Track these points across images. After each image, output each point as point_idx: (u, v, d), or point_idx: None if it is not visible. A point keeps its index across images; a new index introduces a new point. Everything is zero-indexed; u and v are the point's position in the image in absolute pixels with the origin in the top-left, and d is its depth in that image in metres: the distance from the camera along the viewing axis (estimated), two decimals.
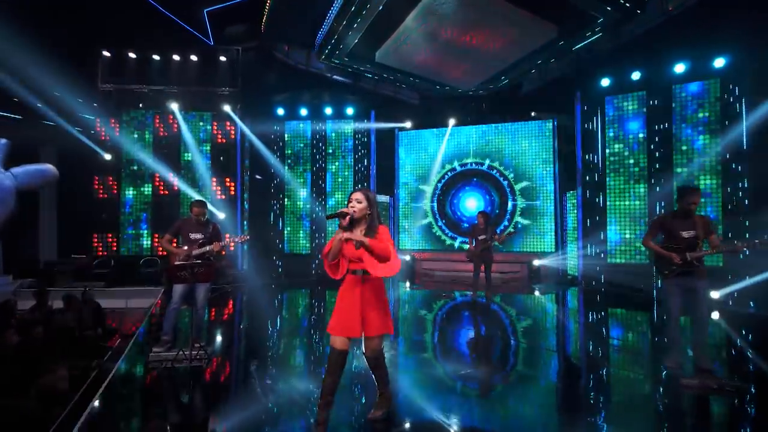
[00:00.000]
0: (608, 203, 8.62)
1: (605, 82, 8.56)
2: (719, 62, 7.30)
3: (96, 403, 3.09)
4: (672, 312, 3.58)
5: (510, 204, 10.42)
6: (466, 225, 10.45)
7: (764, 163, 6.58)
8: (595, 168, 8.78)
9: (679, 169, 7.80)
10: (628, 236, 8.39)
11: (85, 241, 9.57)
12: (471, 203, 10.77)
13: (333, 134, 10.86)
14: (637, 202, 8.32)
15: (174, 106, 9.73)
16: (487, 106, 10.62)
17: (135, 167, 9.90)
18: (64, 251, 10.11)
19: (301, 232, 10.87)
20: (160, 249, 9.73)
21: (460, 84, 10.12)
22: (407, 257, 10.54)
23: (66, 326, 4.88)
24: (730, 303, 6.57)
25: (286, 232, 10.87)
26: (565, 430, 2.83)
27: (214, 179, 10.02)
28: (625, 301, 7.40)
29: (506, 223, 10.39)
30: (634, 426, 2.87)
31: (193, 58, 9.90)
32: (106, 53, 9.65)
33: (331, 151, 10.85)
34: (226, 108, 9.92)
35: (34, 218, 10.38)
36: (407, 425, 2.75)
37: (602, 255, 8.58)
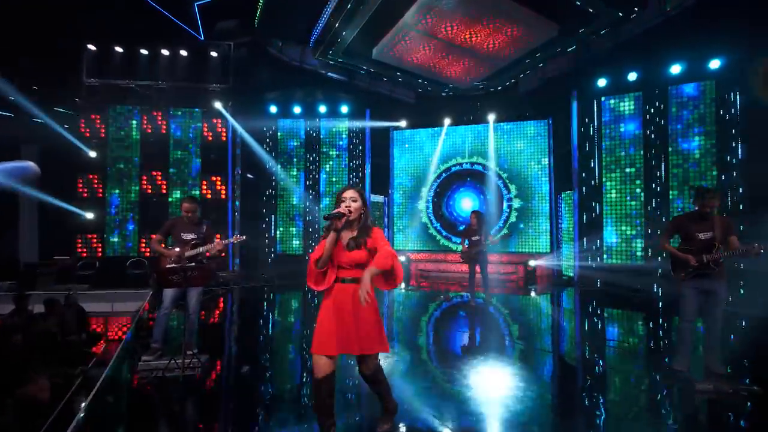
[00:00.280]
0: (604, 203, 8.62)
1: (602, 82, 8.55)
2: (714, 63, 7.34)
3: (81, 414, 2.87)
4: (686, 314, 3.50)
5: (505, 204, 10.36)
6: (462, 228, 10.36)
7: (759, 165, 6.62)
8: (591, 168, 8.76)
9: (675, 170, 7.84)
10: (624, 236, 8.39)
11: (68, 242, 9.20)
12: (466, 203, 10.68)
13: (327, 133, 10.67)
14: (633, 203, 8.33)
15: (163, 103, 9.43)
16: (483, 105, 10.54)
17: (121, 165, 9.57)
18: (45, 252, 9.69)
19: (294, 232, 10.65)
20: (147, 251, 9.42)
21: (457, 82, 10.03)
22: (403, 258, 10.40)
23: (47, 332, 4.62)
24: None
25: (278, 232, 10.64)
26: None
27: (204, 181, 9.74)
28: (623, 302, 7.36)
29: (500, 224, 10.33)
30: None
31: (183, 53, 9.62)
32: (91, 47, 9.30)
33: (325, 150, 10.66)
34: (217, 105, 9.66)
35: (14, 217, 9.94)
36: None
37: (598, 255, 8.56)
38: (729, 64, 7.18)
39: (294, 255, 10.47)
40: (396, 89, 11.02)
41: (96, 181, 9.44)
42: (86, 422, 2.83)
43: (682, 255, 3.47)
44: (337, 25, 7.47)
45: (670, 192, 7.86)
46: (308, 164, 10.62)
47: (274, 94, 10.58)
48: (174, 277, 3.61)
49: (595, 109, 8.67)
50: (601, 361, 4.32)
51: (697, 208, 3.47)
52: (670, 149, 7.90)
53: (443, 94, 10.58)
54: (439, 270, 10.60)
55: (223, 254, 8.88)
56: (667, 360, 3.94)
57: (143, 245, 9.56)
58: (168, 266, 3.81)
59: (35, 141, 9.73)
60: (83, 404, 3.10)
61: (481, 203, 10.52)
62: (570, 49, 8.35)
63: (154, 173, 9.64)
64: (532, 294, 8.44)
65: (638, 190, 8.27)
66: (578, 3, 6.53)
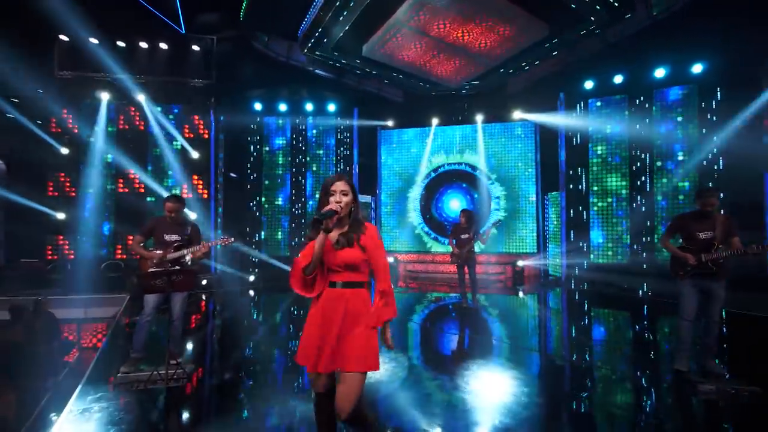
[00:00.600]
0: (590, 204, 8.70)
1: (588, 84, 8.65)
2: (697, 68, 7.51)
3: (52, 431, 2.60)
4: (685, 312, 3.48)
5: (492, 204, 10.35)
6: (450, 231, 10.30)
7: (738, 171, 6.80)
8: (578, 169, 8.84)
9: (659, 173, 7.97)
10: (610, 236, 8.49)
11: (38, 244, 8.66)
12: (455, 204, 10.62)
13: (314, 131, 10.43)
14: (619, 203, 8.44)
15: (140, 97, 8.99)
16: (472, 106, 10.51)
17: (96, 163, 9.06)
18: (12, 255, 9.09)
19: (280, 233, 10.36)
20: (122, 252, 8.97)
21: (447, 81, 9.95)
22: (391, 259, 10.25)
23: (13, 341, 4.26)
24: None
25: (263, 233, 10.32)
26: None
27: (186, 180, 9.33)
28: (610, 300, 7.43)
29: (489, 225, 10.30)
30: None
31: (163, 46, 9.20)
32: (63, 37, 8.78)
33: (311, 148, 10.41)
34: (199, 100, 9.28)
35: None
36: None
37: (585, 255, 8.64)
38: (711, 68, 7.37)
39: (279, 257, 10.17)
40: (384, 88, 10.87)
41: (68, 180, 8.91)
42: None
43: (681, 254, 3.46)
44: (326, 19, 7.24)
45: (655, 193, 7.99)
46: (293, 164, 10.35)
47: (260, 90, 10.26)
48: (157, 282, 3.35)
49: (582, 111, 8.76)
50: (612, 364, 4.27)
51: (698, 208, 3.46)
52: (654, 151, 8.05)
53: (432, 92, 10.48)
54: (427, 271, 10.51)
55: (207, 257, 8.51)
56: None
57: (119, 248, 9.08)
58: (151, 270, 3.54)
59: (2, 136, 9.13)
60: (54, 421, 2.82)
61: (469, 203, 10.48)
62: (554, 54, 8.40)
63: (131, 172, 9.18)
64: (520, 294, 8.43)
65: (624, 191, 8.39)
66: (573, 6, 6.53)
